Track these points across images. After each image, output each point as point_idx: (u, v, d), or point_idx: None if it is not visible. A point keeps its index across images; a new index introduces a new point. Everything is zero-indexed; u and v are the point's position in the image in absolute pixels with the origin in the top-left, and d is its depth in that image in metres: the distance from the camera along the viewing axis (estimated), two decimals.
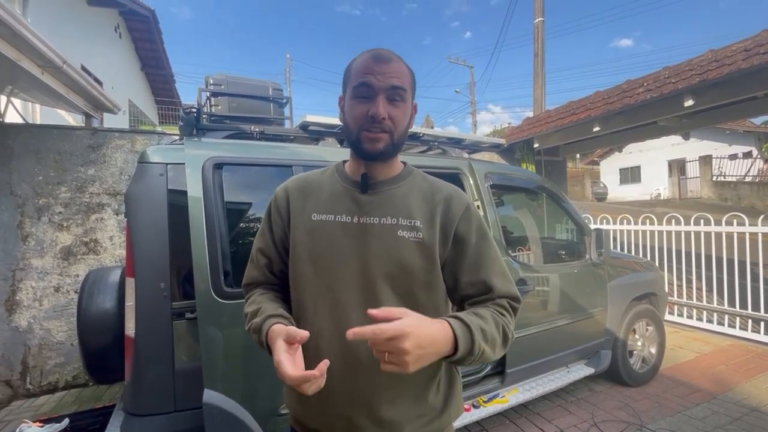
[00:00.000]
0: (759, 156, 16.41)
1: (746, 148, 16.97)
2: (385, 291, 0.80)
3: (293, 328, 0.71)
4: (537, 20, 10.73)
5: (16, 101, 4.15)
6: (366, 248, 0.81)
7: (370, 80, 0.77)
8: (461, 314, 0.75)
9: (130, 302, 1.51)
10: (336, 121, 2.26)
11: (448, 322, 0.71)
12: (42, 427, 2.05)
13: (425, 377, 0.83)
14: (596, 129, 6.06)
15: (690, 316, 4.44)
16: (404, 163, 0.93)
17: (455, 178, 2.27)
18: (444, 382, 0.88)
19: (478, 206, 2.27)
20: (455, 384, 0.91)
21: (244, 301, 0.93)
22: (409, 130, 0.87)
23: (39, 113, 4.94)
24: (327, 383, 0.78)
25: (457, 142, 2.68)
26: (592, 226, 3.49)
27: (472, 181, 2.31)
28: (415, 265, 0.81)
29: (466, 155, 2.68)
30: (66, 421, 2.10)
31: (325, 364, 0.66)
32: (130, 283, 1.51)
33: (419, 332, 0.63)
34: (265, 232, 0.92)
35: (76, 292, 3.21)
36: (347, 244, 0.82)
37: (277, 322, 0.77)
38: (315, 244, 0.84)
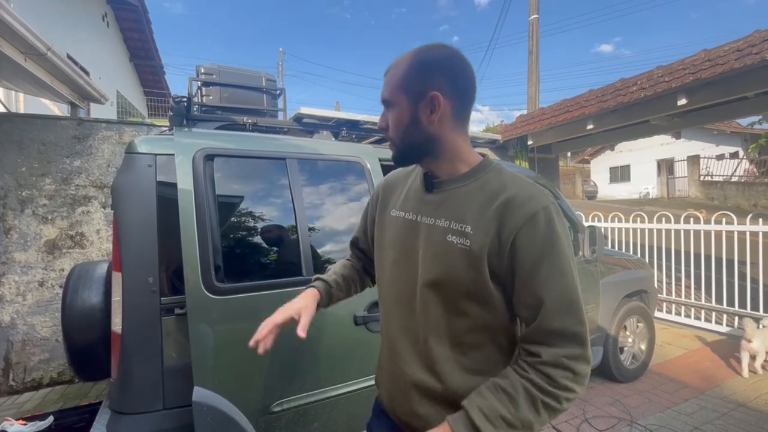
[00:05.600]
0: (745, 156, 16.71)
1: (733, 149, 17.27)
2: (429, 296, 0.78)
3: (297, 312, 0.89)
4: (532, 17, 10.75)
5: None
6: (417, 249, 0.81)
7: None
8: (478, 400, 0.69)
9: (116, 297, 1.46)
10: (330, 113, 2.22)
11: (449, 423, 0.68)
12: (25, 425, 2.00)
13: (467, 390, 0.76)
14: (590, 127, 6.10)
15: (678, 313, 4.51)
16: (483, 155, 0.85)
17: None
18: None
19: None
20: None
21: None
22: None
23: (23, 102, 4.81)
24: (389, 356, 0.89)
25: None
26: (586, 224, 3.51)
27: None
28: (458, 273, 0.73)
29: None
30: (50, 418, 2.05)
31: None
32: (117, 278, 1.46)
33: None
34: (363, 217, 1.07)
35: (61, 286, 3.13)
36: (405, 243, 0.83)
37: (313, 286, 0.97)
38: (383, 239, 0.90)
